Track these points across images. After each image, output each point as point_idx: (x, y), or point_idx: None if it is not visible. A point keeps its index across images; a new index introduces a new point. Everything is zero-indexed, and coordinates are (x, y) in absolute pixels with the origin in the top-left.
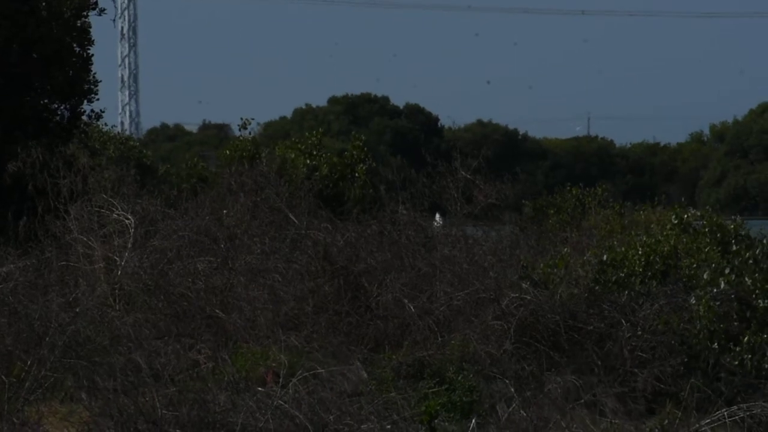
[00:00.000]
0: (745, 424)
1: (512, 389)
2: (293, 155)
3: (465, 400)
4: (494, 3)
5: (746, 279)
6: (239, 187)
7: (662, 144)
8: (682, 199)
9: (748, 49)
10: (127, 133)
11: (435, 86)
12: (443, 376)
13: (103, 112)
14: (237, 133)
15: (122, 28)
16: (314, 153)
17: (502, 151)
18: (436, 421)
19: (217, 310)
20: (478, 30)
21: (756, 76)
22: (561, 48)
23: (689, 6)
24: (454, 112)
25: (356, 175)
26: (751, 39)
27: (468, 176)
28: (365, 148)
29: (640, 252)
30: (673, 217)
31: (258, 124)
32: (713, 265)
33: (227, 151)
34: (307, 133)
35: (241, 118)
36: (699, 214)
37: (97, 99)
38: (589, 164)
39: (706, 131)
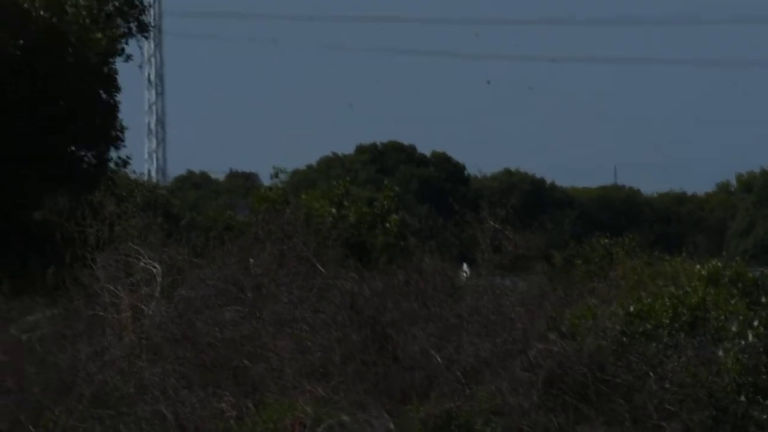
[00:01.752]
0: None
1: None
2: (318, 205)
3: None
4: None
5: None
6: (266, 236)
7: (689, 194)
8: (724, 253)
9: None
10: (154, 180)
11: (459, 134)
12: (471, 429)
13: (130, 159)
14: (268, 181)
15: (149, 74)
16: (343, 203)
17: (529, 199)
18: None
19: (244, 360)
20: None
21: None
22: (581, 96)
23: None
24: (480, 160)
25: (387, 225)
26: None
27: (496, 226)
28: (397, 198)
29: (667, 303)
30: (700, 268)
31: (284, 172)
32: (741, 317)
33: (258, 201)
34: (335, 182)
35: (273, 167)
36: (720, 264)
37: (124, 146)
38: (616, 213)
39: (733, 181)
